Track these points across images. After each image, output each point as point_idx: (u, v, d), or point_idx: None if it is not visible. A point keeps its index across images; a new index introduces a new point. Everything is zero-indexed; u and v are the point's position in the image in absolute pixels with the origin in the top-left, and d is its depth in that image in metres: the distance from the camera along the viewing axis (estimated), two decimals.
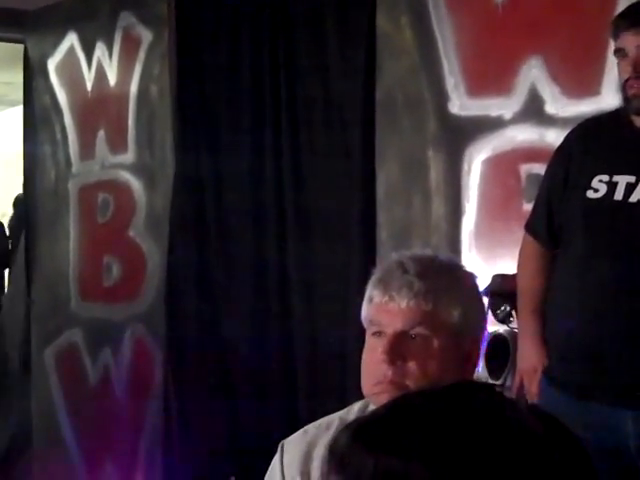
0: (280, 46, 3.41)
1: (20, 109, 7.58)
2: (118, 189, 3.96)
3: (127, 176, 3.91)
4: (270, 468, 1.36)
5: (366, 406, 1.34)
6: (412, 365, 1.30)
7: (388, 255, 2.98)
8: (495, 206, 2.88)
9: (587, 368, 2.11)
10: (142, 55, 3.77)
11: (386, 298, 1.32)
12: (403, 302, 1.31)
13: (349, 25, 3.20)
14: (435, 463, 0.51)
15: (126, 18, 3.83)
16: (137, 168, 3.86)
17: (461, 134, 2.92)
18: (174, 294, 3.64)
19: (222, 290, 3.59)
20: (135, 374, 3.85)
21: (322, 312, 3.30)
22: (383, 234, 3.06)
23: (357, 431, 0.57)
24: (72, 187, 4.20)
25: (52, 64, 4.26)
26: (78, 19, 4.09)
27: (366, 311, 1.37)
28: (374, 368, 1.31)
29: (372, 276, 1.39)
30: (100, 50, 3.98)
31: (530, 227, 2.35)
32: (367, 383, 1.33)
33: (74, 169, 4.19)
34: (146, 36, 3.76)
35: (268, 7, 3.44)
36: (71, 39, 4.13)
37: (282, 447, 1.36)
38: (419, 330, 1.31)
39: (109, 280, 4.00)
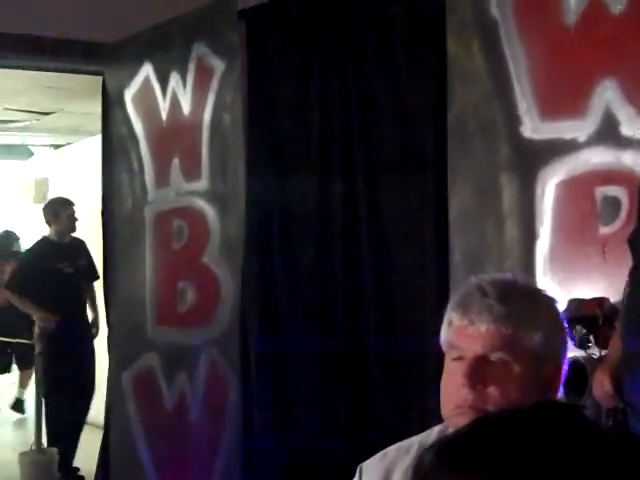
0: (350, 74, 3.45)
1: (96, 139, 7.83)
2: (192, 216, 4.03)
3: (201, 203, 3.97)
4: None
5: (445, 429, 1.33)
6: (492, 390, 1.28)
7: (462, 279, 3.00)
8: (570, 230, 2.83)
9: None
10: (215, 84, 3.84)
11: (465, 322, 1.31)
12: (483, 326, 1.30)
13: (419, 52, 3.21)
14: None
15: (199, 48, 3.91)
16: (211, 195, 3.92)
17: (534, 157, 2.89)
18: (247, 318, 3.68)
19: (290, 314, 3.62)
20: (210, 397, 3.90)
21: (397, 336, 3.30)
22: (456, 258, 3.04)
23: (441, 451, 0.57)
24: (148, 214, 4.29)
25: (129, 95, 4.38)
26: (153, 50, 4.19)
27: (445, 335, 1.36)
28: (454, 392, 1.30)
29: (451, 299, 1.39)
30: (174, 80, 4.06)
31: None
32: (447, 407, 1.32)
33: (150, 196, 4.28)
34: (219, 66, 3.83)
35: (338, 35, 3.47)
36: (147, 70, 4.24)
37: (360, 470, 1.36)
38: (499, 355, 1.30)
39: (184, 305, 4.06)
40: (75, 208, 5.81)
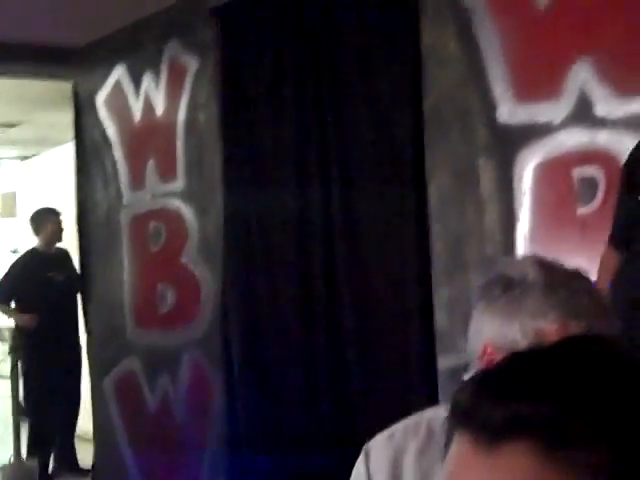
0: (324, 67, 3.44)
1: (63, 149, 7.76)
2: (169, 217, 4.00)
3: (177, 203, 3.95)
4: (354, 473, 1.30)
5: None
6: None
7: (444, 266, 3.02)
8: (549, 211, 2.85)
9: None
10: (188, 83, 3.83)
11: None
12: None
13: (394, 39, 3.22)
14: (566, 404, 0.51)
15: (172, 47, 3.90)
16: (187, 195, 3.90)
17: (511, 141, 2.91)
18: (229, 317, 3.66)
19: (270, 314, 3.60)
20: (194, 398, 3.87)
21: (375, 328, 3.30)
22: (438, 245, 3.05)
23: (481, 383, 0.56)
24: (124, 218, 4.26)
25: (100, 98, 4.35)
26: (125, 52, 4.17)
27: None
28: None
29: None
30: (147, 80, 4.04)
31: (612, 240, 2.37)
32: None
33: (125, 200, 4.25)
34: (192, 64, 3.82)
35: (311, 27, 3.47)
36: (118, 72, 4.21)
37: (366, 452, 1.29)
38: None
39: (164, 307, 4.04)
40: (61, 218, 5.79)
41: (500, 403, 0.52)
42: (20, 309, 5.60)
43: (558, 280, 1.20)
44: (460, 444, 0.56)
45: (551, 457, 0.50)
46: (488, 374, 0.57)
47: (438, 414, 1.26)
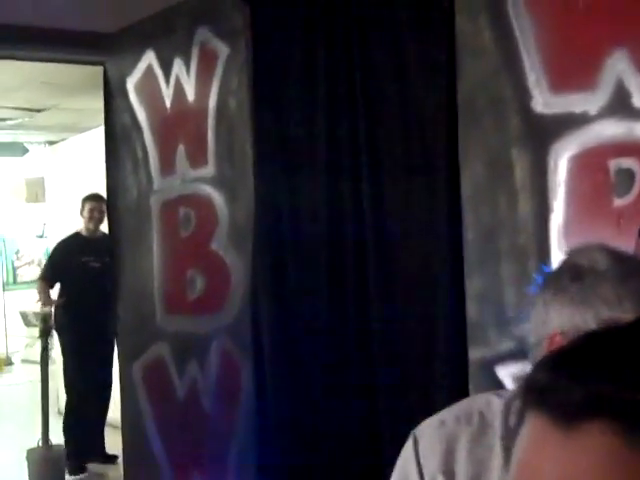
0: (356, 52, 3.43)
1: (90, 134, 7.80)
2: (199, 203, 4.00)
3: (208, 189, 3.95)
4: (402, 459, 1.28)
5: (509, 407, 1.23)
6: None
7: (476, 256, 3.00)
8: (584, 203, 2.82)
9: None
10: (219, 69, 3.82)
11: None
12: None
13: (427, 27, 3.20)
14: None
15: (203, 33, 3.89)
16: (218, 181, 3.90)
17: (546, 132, 2.88)
18: (259, 304, 3.66)
19: (300, 302, 3.60)
20: (222, 386, 3.88)
21: (405, 318, 3.29)
22: (470, 235, 3.03)
23: (559, 362, 0.55)
24: (154, 203, 4.27)
25: (131, 84, 4.35)
26: (155, 38, 4.17)
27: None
28: None
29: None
30: (178, 66, 4.04)
31: None
32: None
33: (155, 185, 4.26)
34: (223, 50, 3.81)
35: (343, 13, 3.45)
36: (149, 58, 4.21)
37: (415, 438, 1.27)
38: None
39: (193, 293, 4.05)
40: (97, 204, 5.86)
41: (580, 382, 0.51)
42: (60, 292, 5.72)
43: (629, 269, 1.18)
44: (535, 424, 0.55)
45: (631, 440, 0.49)
46: (565, 353, 0.56)
47: (490, 402, 1.26)
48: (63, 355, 5.86)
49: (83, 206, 5.94)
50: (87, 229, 5.87)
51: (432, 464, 1.24)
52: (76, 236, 5.98)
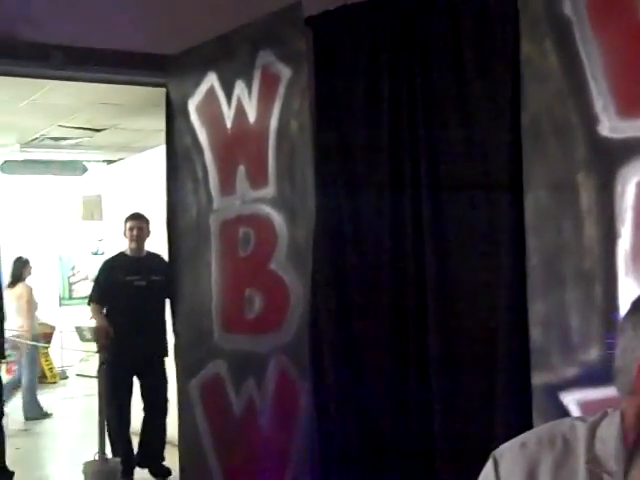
0: (419, 76, 3.44)
1: (147, 154, 7.92)
2: (259, 223, 4.04)
3: (268, 210, 3.98)
4: (482, 478, 1.28)
5: (593, 433, 1.23)
6: None
7: (539, 281, 2.97)
8: None
9: None
10: (282, 91, 3.86)
11: None
12: None
13: (492, 53, 3.20)
14: None
15: (265, 56, 3.94)
16: (278, 202, 3.93)
17: (613, 156, 2.86)
18: (317, 325, 3.67)
19: (359, 324, 3.61)
20: (279, 405, 3.89)
21: (467, 342, 3.28)
22: (534, 260, 3.01)
23: None
24: (213, 222, 4.31)
25: (192, 104, 4.42)
26: (217, 60, 4.23)
27: None
28: None
29: None
30: (239, 88, 4.09)
31: None
32: None
33: (215, 205, 4.30)
34: (285, 73, 3.85)
35: (407, 39, 3.47)
36: (211, 79, 4.27)
37: (495, 459, 1.27)
38: None
39: (251, 312, 4.07)
40: (136, 222, 5.88)
41: None
42: (107, 312, 5.74)
43: None
44: None
45: None
46: None
47: (574, 427, 1.25)
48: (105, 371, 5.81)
49: (125, 226, 5.95)
50: (130, 248, 5.88)
51: None
52: (120, 256, 5.99)
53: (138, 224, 5.88)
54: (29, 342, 8.58)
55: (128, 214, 6.10)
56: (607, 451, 1.20)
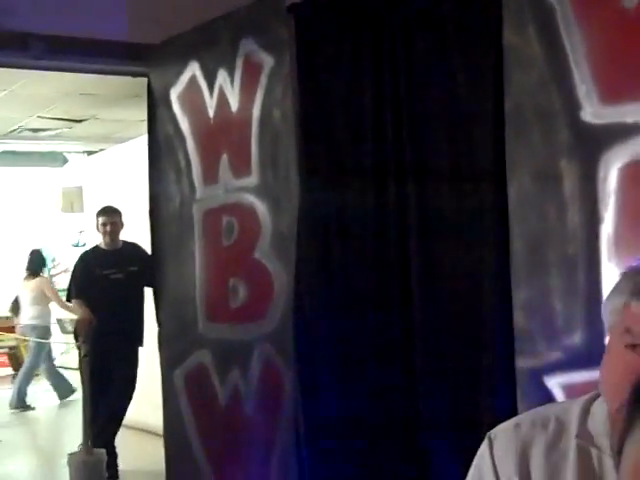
0: (402, 64, 3.45)
1: (128, 145, 7.89)
2: (242, 212, 4.03)
3: (251, 199, 3.98)
4: (478, 458, 1.30)
5: (586, 410, 1.25)
6: None
7: (523, 267, 3.00)
8: (635, 213, 2.82)
9: None
10: (264, 80, 3.86)
11: None
12: None
13: (474, 40, 3.21)
14: None
15: (247, 45, 3.93)
16: (261, 190, 3.93)
17: (596, 142, 2.88)
18: (301, 313, 3.68)
19: (343, 312, 3.62)
20: (264, 393, 3.90)
21: (452, 327, 3.30)
22: (517, 245, 3.03)
23: None
24: (196, 212, 4.31)
25: (174, 94, 4.40)
26: (199, 49, 4.21)
27: (617, 317, 1.22)
28: (624, 387, 1.09)
29: (622, 281, 1.26)
30: (222, 77, 4.08)
31: None
32: (612, 402, 1.17)
33: (198, 194, 4.29)
34: (267, 61, 3.84)
35: (388, 25, 3.48)
36: (193, 68, 4.26)
37: (490, 439, 1.29)
38: None
39: (236, 302, 4.07)
40: (108, 217, 5.83)
41: None
42: (87, 306, 5.69)
43: None
44: None
45: None
46: None
47: (568, 408, 1.27)
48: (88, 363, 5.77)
49: (97, 221, 5.89)
50: (105, 242, 5.84)
51: (507, 466, 1.26)
52: (95, 249, 5.93)
53: (110, 219, 5.83)
54: (32, 338, 8.65)
55: (99, 208, 6.04)
56: (597, 426, 1.21)
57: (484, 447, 1.30)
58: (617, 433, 0.98)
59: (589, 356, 2.68)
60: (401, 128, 3.45)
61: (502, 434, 1.29)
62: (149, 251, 4.79)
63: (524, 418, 1.31)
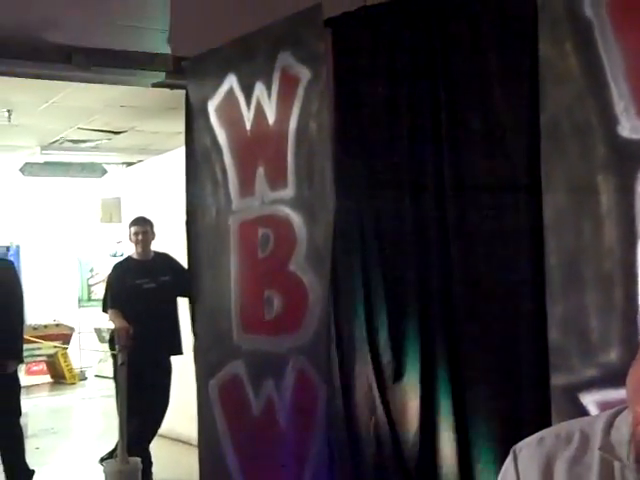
0: (439, 78, 3.45)
1: (165, 157, 7.96)
2: (278, 224, 4.05)
3: (287, 211, 4.00)
4: (503, 472, 1.31)
5: (611, 423, 1.25)
6: None
7: (558, 283, 2.97)
8: None
9: None
10: (301, 93, 3.88)
11: None
12: None
13: (511, 54, 3.20)
14: None
15: (284, 58, 3.95)
16: (297, 203, 3.95)
17: (633, 157, 2.85)
18: (336, 325, 3.69)
19: (382, 321, 3.62)
20: (298, 405, 3.90)
21: (488, 343, 3.28)
22: (552, 261, 3.01)
23: None
24: (232, 223, 4.33)
25: (212, 106, 4.44)
26: (237, 62, 4.25)
27: None
28: None
29: None
30: (259, 90, 4.11)
31: None
32: (638, 405, 1.16)
33: (234, 206, 4.32)
34: (304, 74, 3.86)
35: (426, 39, 3.48)
36: (230, 81, 4.30)
37: (515, 453, 1.30)
38: None
39: (270, 313, 4.09)
40: (140, 227, 5.89)
41: None
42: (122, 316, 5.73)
43: None
44: None
45: None
46: None
47: (593, 422, 1.26)
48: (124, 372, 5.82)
49: (129, 230, 5.98)
50: (137, 252, 5.92)
51: (531, 479, 1.25)
52: (127, 260, 6.02)
53: (142, 229, 5.91)
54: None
55: (131, 219, 6.13)
56: (621, 438, 1.21)
57: (509, 461, 1.30)
58: (637, 442, 0.98)
59: (625, 373, 2.65)
60: (439, 144, 3.45)
61: (526, 448, 1.30)
62: (182, 262, 4.83)
63: (549, 432, 1.31)
